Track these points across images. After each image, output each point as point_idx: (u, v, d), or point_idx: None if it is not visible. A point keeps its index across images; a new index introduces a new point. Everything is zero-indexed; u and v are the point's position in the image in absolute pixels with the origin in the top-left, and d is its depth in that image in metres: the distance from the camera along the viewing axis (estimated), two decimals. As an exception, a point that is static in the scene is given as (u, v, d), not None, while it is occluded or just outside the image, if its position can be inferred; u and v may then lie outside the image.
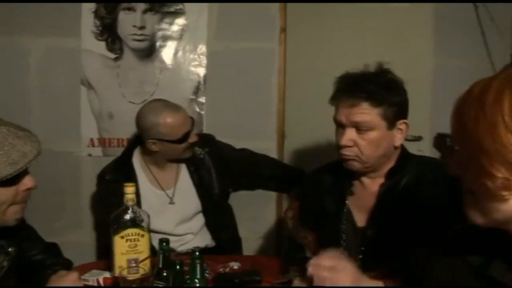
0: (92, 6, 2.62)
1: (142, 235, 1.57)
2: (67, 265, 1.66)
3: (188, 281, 1.41)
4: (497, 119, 0.82)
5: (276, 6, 2.71)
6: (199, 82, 2.70)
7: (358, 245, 1.62)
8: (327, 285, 1.30)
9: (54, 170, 2.59)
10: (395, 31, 2.78)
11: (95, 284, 1.63)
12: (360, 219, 1.64)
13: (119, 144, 2.67)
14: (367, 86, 1.53)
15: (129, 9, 2.63)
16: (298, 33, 2.76)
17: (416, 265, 1.42)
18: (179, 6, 2.66)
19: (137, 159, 2.20)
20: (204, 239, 2.24)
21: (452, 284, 0.99)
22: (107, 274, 1.65)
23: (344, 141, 1.56)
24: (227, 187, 2.37)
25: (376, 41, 2.73)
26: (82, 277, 1.60)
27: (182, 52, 2.69)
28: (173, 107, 2.10)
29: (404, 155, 1.65)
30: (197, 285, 1.38)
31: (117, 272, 1.54)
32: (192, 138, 2.12)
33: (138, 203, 1.83)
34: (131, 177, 2.09)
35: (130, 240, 1.56)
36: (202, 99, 2.71)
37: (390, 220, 1.56)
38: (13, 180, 1.32)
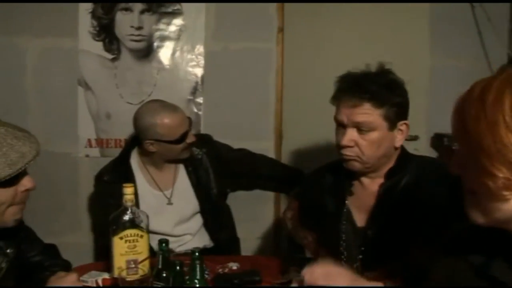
0: (89, 6, 2.61)
1: (141, 236, 1.56)
2: (66, 266, 1.65)
3: (188, 282, 1.40)
4: (498, 119, 0.82)
5: (273, 6, 2.71)
6: (196, 83, 2.70)
7: (358, 245, 1.62)
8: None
9: (52, 171, 2.58)
10: (392, 31, 2.79)
11: (94, 285, 1.62)
12: (360, 219, 1.64)
13: (117, 145, 2.67)
14: (369, 86, 1.52)
15: (126, 9, 2.63)
16: (296, 33, 2.76)
17: (416, 265, 1.43)
18: (177, 6, 2.66)
19: (135, 160, 2.20)
20: (203, 240, 2.23)
21: (453, 284, 0.99)
22: (106, 275, 1.64)
23: (345, 141, 1.56)
24: (225, 187, 2.37)
25: (373, 41, 2.73)
26: (81, 278, 1.59)
27: (180, 52, 2.69)
28: (171, 108, 2.09)
29: (404, 155, 1.66)
30: (197, 285, 1.38)
31: (116, 273, 1.54)
32: (190, 139, 2.12)
33: (136, 204, 1.83)
34: (129, 178, 2.09)
35: (129, 241, 1.55)
36: (199, 100, 2.71)
37: (390, 220, 1.56)
38: (11, 181, 1.31)
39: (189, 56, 2.69)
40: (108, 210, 1.95)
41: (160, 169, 2.19)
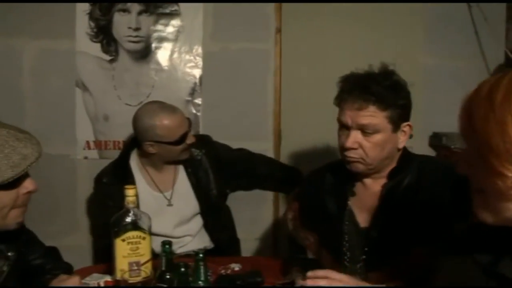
0: (86, 7, 2.60)
1: (144, 238, 1.55)
2: (68, 269, 1.64)
3: (192, 283, 1.40)
4: (506, 119, 0.82)
5: (271, 6, 2.71)
6: (195, 83, 2.70)
7: (362, 245, 1.61)
8: None
9: (50, 173, 2.56)
10: (389, 31, 2.79)
11: (96, 288, 1.61)
12: (363, 220, 1.63)
13: (115, 147, 2.66)
14: (374, 88, 1.51)
15: (124, 10, 2.62)
16: (294, 33, 2.76)
17: (420, 265, 1.43)
18: (174, 7, 2.65)
19: (134, 162, 2.19)
20: (202, 241, 2.23)
21: (461, 282, 0.99)
22: (108, 278, 1.63)
23: (350, 143, 1.55)
24: (225, 188, 2.36)
25: (371, 41, 2.74)
26: (83, 280, 1.58)
27: (178, 53, 2.68)
28: (170, 109, 2.08)
29: (406, 155, 1.65)
30: (201, 287, 1.37)
31: (118, 275, 1.52)
32: (190, 140, 2.11)
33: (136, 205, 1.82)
34: (129, 180, 2.08)
35: (132, 243, 1.54)
36: (198, 101, 2.70)
37: (393, 220, 1.55)
38: (13, 183, 1.30)
39: (187, 57, 2.69)
40: (107, 212, 1.95)
41: (159, 171, 2.18)
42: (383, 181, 1.63)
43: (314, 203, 1.76)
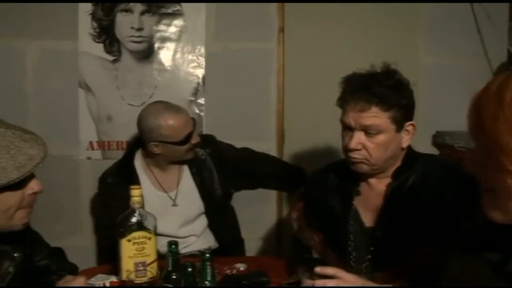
0: (89, 8, 2.60)
1: (149, 238, 1.55)
2: (73, 270, 1.63)
3: (199, 284, 1.39)
4: None
5: (274, 6, 2.71)
6: (198, 83, 2.70)
7: (367, 245, 1.61)
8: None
9: (53, 174, 2.54)
10: (392, 30, 2.79)
11: (102, 288, 1.61)
12: (368, 219, 1.63)
13: (119, 147, 2.66)
14: (377, 89, 1.50)
15: (126, 10, 2.62)
16: (296, 33, 2.76)
17: (426, 264, 1.43)
18: (177, 7, 2.65)
19: (138, 162, 2.19)
20: (207, 241, 2.23)
21: (470, 281, 0.99)
22: (114, 278, 1.63)
23: (353, 144, 1.55)
24: (229, 188, 2.35)
25: (373, 40, 2.75)
26: (89, 281, 1.57)
27: (181, 53, 2.68)
28: (175, 109, 2.08)
29: (411, 155, 1.65)
30: (208, 287, 1.37)
31: (124, 275, 1.52)
32: (195, 139, 2.11)
33: (141, 205, 1.82)
34: (133, 180, 2.08)
35: (137, 243, 1.53)
36: (201, 101, 2.70)
37: (398, 219, 1.55)
38: (19, 184, 1.29)
39: (190, 57, 2.68)
40: (112, 212, 1.94)
41: (164, 171, 2.18)
42: (387, 180, 1.63)
43: (319, 203, 1.76)
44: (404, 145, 1.61)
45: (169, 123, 2.03)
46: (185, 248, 2.13)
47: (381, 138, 1.54)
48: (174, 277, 1.43)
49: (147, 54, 2.66)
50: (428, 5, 2.79)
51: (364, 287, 1.42)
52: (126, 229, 1.53)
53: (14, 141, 1.28)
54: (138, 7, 2.62)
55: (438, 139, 2.78)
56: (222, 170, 2.25)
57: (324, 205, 1.73)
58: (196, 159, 2.20)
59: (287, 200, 2.79)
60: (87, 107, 2.65)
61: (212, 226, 2.25)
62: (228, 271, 1.74)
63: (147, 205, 1.99)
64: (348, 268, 1.59)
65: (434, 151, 2.77)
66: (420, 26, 2.82)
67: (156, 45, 2.66)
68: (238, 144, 2.50)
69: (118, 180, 2.11)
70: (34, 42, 2.60)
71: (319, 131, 2.63)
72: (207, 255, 1.38)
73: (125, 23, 2.63)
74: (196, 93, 2.69)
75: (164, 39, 2.66)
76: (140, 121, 2.09)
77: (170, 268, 1.44)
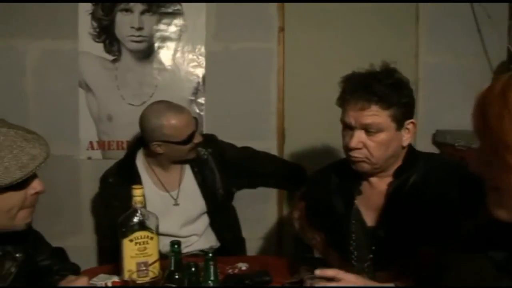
0: (89, 7, 2.60)
1: (151, 238, 1.54)
2: (75, 270, 1.63)
3: (202, 284, 1.39)
4: None
5: (274, 6, 2.72)
6: (198, 83, 2.70)
7: (369, 245, 1.61)
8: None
9: (53, 174, 2.53)
10: (392, 30, 2.80)
11: (104, 288, 1.61)
12: (369, 219, 1.63)
13: (119, 147, 2.66)
14: (377, 87, 1.51)
15: (126, 10, 2.62)
16: (297, 32, 2.76)
17: (427, 264, 1.43)
18: (177, 6, 2.65)
19: (140, 161, 2.18)
20: (208, 240, 2.22)
21: (475, 279, 0.99)
22: (116, 278, 1.62)
23: (354, 143, 1.55)
24: (231, 187, 2.35)
25: (373, 40, 2.75)
26: (90, 281, 1.57)
27: (181, 53, 2.68)
28: (177, 108, 2.08)
29: (412, 153, 1.65)
30: (211, 286, 1.37)
31: (126, 275, 1.51)
32: (197, 139, 2.11)
33: (143, 205, 1.81)
34: (135, 179, 2.07)
35: (139, 243, 1.53)
36: (201, 100, 2.70)
37: (400, 219, 1.55)
38: (22, 184, 1.29)
39: (190, 57, 2.68)
40: (113, 212, 1.95)
41: (166, 170, 2.18)
42: (389, 179, 1.63)
43: (321, 202, 1.75)
44: (405, 143, 1.61)
45: (171, 122, 2.03)
46: (186, 247, 2.13)
47: (381, 136, 1.54)
48: (177, 277, 1.43)
49: (147, 53, 2.65)
50: (428, 5, 2.80)
51: (366, 287, 1.43)
52: (128, 229, 1.53)
53: (16, 141, 1.28)
54: (138, 7, 2.62)
55: (438, 138, 2.78)
56: (223, 169, 2.25)
57: (326, 204, 1.73)
58: (198, 159, 2.20)
59: (288, 199, 2.79)
60: (87, 107, 2.65)
61: (214, 225, 2.25)
62: (230, 271, 1.75)
63: (149, 205, 1.99)
64: (350, 268, 1.59)
65: (435, 150, 2.77)
66: (420, 26, 2.82)
67: (156, 45, 2.66)
68: (239, 144, 2.50)
69: (119, 180, 2.10)
70: (34, 42, 2.60)
71: (319, 130, 2.64)
72: (210, 255, 1.38)
73: (125, 23, 2.63)
74: (196, 92, 2.69)
75: (164, 39, 2.66)
76: (142, 121, 2.09)
77: (172, 268, 1.44)
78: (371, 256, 1.61)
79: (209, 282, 1.37)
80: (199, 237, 2.20)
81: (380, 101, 1.51)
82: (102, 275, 1.66)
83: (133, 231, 1.53)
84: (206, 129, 2.67)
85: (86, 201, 2.69)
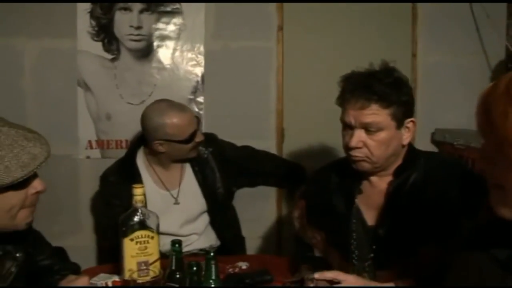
0: (87, 6, 2.59)
1: (152, 237, 1.54)
2: (75, 270, 1.62)
3: (203, 283, 1.39)
4: None
5: (273, 5, 2.72)
6: (197, 82, 2.69)
7: (369, 244, 1.60)
8: None
9: (52, 173, 2.52)
10: (391, 29, 2.80)
11: (104, 288, 1.60)
12: (370, 218, 1.63)
13: (118, 146, 2.65)
14: (376, 86, 1.51)
15: (125, 9, 2.61)
16: (295, 31, 2.76)
17: (428, 263, 1.43)
18: (176, 5, 2.65)
19: (141, 160, 2.18)
20: (209, 239, 2.22)
21: (479, 278, 0.99)
22: (116, 278, 1.62)
23: (354, 142, 1.55)
24: (231, 186, 2.35)
25: (372, 39, 2.75)
26: (91, 281, 1.57)
27: (180, 51, 2.67)
28: (179, 107, 2.07)
29: (412, 152, 1.65)
30: (212, 286, 1.37)
31: (127, 275, 1.51)
32: (199, 138, 2.10)
33: (143, 204, 1.81)
34: (135, 178, 2.07)
35: (140, 243, 1.53)
36: (200, 99, 2.70)
37: (400, 218, 1.55)
38: (22, 183, 1.28)
39: (189, 55, 2.68)
40: (113, 211, 1.95)
41: (166, 169, 2.17)
42: (389, 178, 1.63)
43: (321, 201, 1.75)
44: (405, 142, 1.61)
45: (174, 121, 2.02)
46: (186, 246, 2.12)
47: (381, 135, 1.54)
48: (178, 276, 1.42)
49: (146, 52, 2.65)
50: (427, 5, 2.80)
51: (365, 287, 1.43)
52: (128, 228, 1.53)
53: (17, 140, 1.27)
54: (137, 6, 2.62)
55: (437, 136, 2.78)
56: (224, 168, 2.24)
57: (326, 203, 1.72)
58: (198, 158, 2.20)
59: (287, 198, 2.79)
60: (86, 106, 2.64)
61: (214, 224, 2.24)
62: (230, 270, 1.74)
63: (149, 203, 1.99)
64: (351, 267, 1.60)
65: (433, 148, 2.78)
66: (419, 25, 2.82)
67: (155, 44, 2.65)
68: (238, 143, 2.50)
69: (120, 178, 2.10)
70: (33, 40, 2.59)
71: (318, 130, 2.64)
72: (211, 254, 1.37)
73: (124, 22, 2.62)
74: (195, 91, 2.69)
75: (163, 38, 2.65)
76: (144, 120, 2.08)
77: (173, 267, 1.44)
78: (371, 255, 1.60)
79: (211, 281, 1.37)
80: (199, 236, 2.20)
81: (380, 100, 1.52)
82: (102, 275, 1.66)
83: (133, 230, 1.53)
84: (205, 128, 2.66)
85: (85, 200, 2.68)
